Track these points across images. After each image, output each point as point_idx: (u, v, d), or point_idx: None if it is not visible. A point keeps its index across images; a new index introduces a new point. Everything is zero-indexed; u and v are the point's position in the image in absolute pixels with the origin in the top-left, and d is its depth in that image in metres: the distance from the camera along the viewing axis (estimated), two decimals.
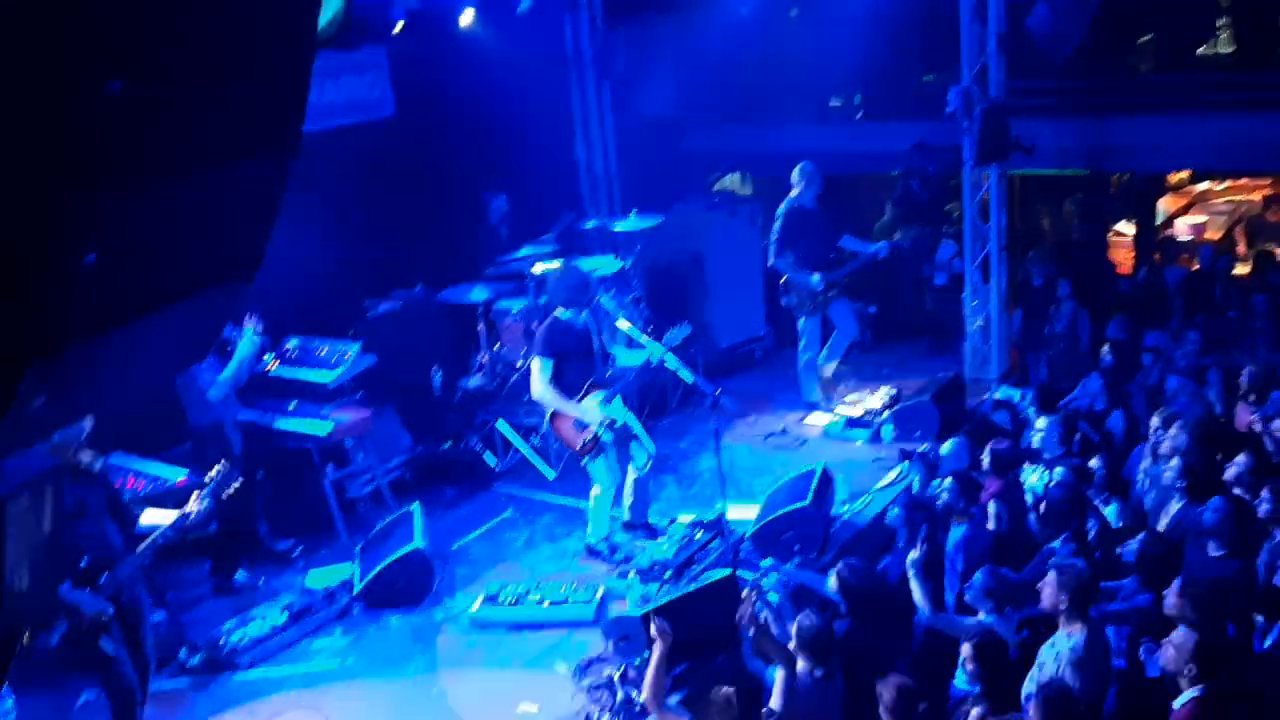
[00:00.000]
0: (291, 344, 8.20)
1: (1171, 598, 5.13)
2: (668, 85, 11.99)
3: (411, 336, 9.29)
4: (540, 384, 6.94)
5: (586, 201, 11.51)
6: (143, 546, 5.32)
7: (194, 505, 5.48)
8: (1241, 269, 11.66)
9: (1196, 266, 11.50)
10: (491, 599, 6.74)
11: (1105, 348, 9.16)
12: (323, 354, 8.07)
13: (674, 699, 5.23)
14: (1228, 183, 15.69)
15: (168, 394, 7.32)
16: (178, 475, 6.76)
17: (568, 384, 6.95)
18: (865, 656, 5.49)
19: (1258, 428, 7.21)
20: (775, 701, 5.00)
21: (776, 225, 9.20)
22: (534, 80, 10.75)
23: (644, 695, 5.09)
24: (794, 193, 9.18)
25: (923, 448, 7.76)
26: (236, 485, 5.68)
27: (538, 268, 8.99)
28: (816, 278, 9.11)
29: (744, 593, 5.64)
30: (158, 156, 1.63)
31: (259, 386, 7.86)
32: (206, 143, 1.70)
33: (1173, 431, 6.98)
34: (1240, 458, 6.60)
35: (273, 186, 2.03)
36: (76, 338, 1.69)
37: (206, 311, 2.27)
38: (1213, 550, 5.87)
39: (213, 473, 5.60)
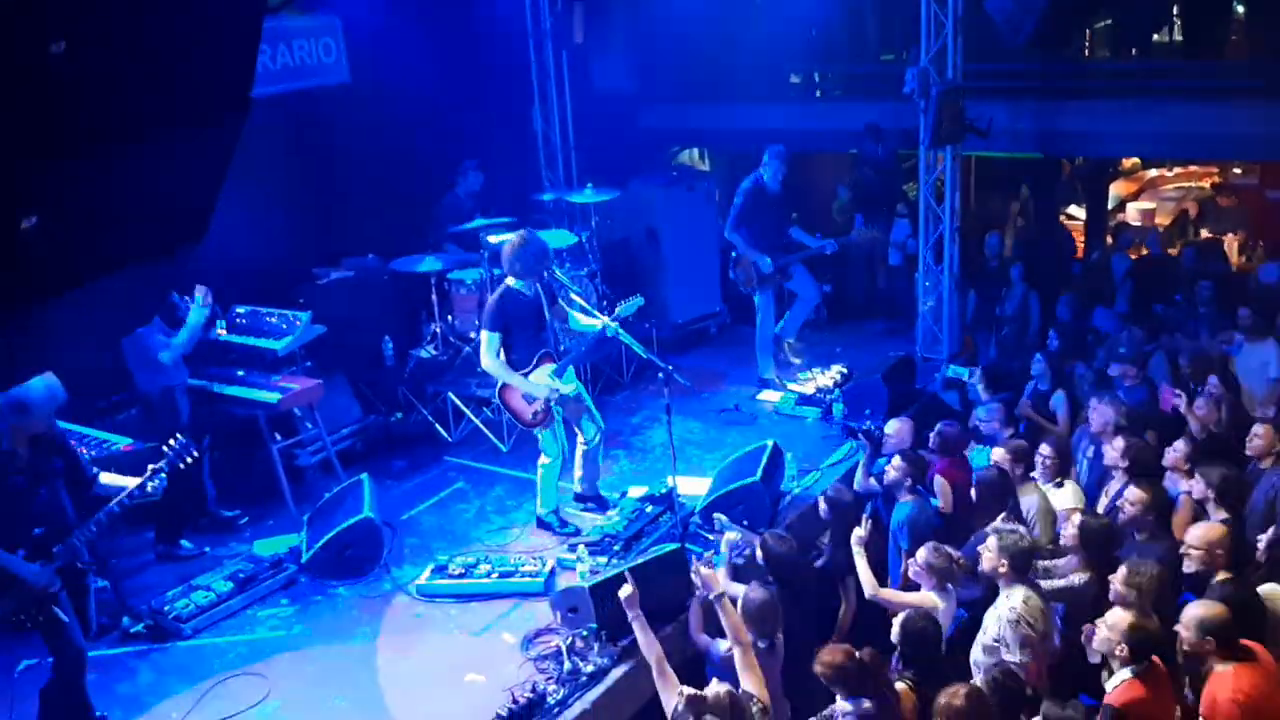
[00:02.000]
0: (240, 311, 8.12)
1: (1117, 585, 5.25)
2: (627, 59, 11.95)
3: (362, 306, 9.23)
4: (488, 356, 6.92)
5: (544, 173, 11.45)
6: (98, 516, 5.25)
7: (150, 476, 5.40)
8: None
9: (1146, 251, 11.72)
10: (440, 570, 6.73)
11: (1052, 330, 9.34)
12: (272, 321, 8.00)
13: None
14: (1177, 170, 15.99)
15: (115, 360, 7.23)
16: (122, 442, 6.69)
17: (517, 356, 6.93)
18: (792, 623, 5.62)
19: (1181, 408, 7.40)
20: (754, 687, 4.94)
21: (736, 200, 9.24)
22: (492, 50, 10.67)
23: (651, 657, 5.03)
24: (761, 171, 9.21)
25: (867, 425, 7.86)
26: (193, 457, 5.61)
27: (493, 238, 8.94)
28: (768, 261, 9.17)
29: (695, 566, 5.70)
30: (102, 121, 1.61)
31: (208, 354, 7.78)
32: (152, 108, 1.68)
33: (1107, 412, 7.14)
34: (1179, 443, 6.75)
35: (220, 153, 2.01)
36: (18, 300, 1.67)
37: (154, 275, 2.25)
38: (1138, 536, 6.02)
39: (171, 443, 5.54)
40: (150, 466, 5.43)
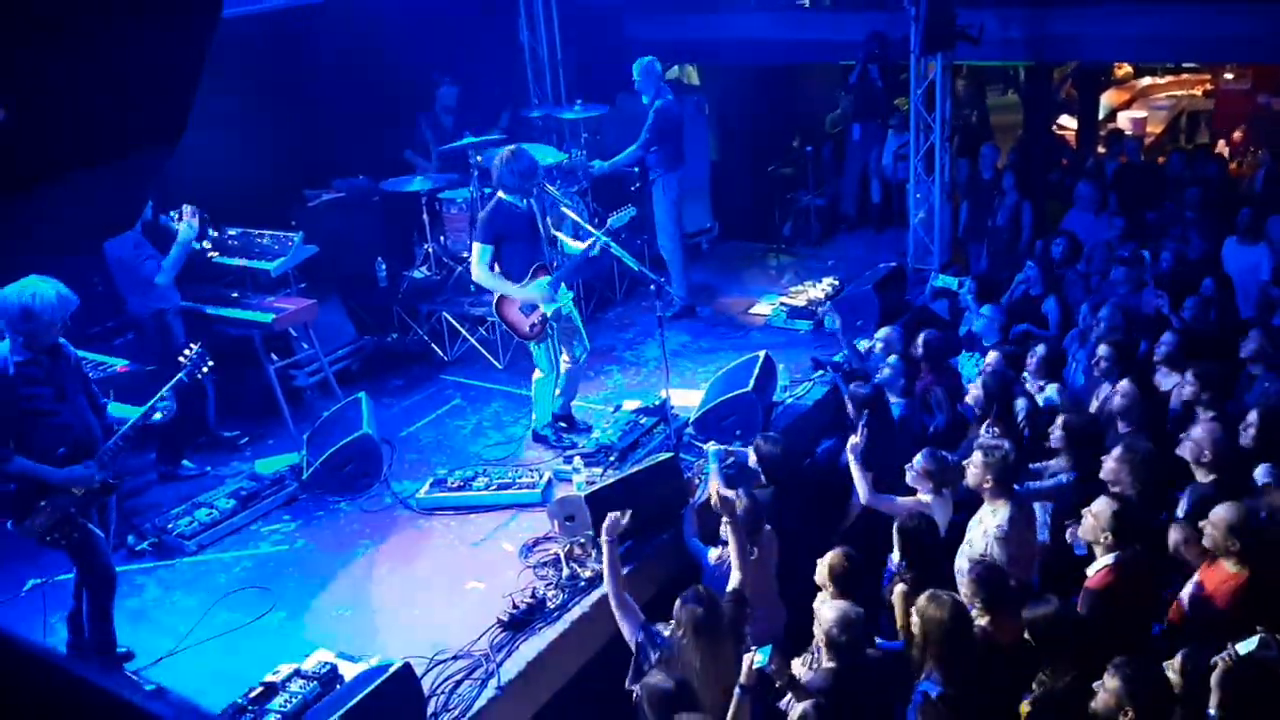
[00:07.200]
0: (232, 233, 8.09)
1: (1110, 463, 5.34)
2: None
3: (354, 227, 9.20)
4: (479, 269, 6.91)
5: (531, 89, 11.30)
6: (122, 430, 5.17)
7: (169, 388, 5.33)
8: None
9: (1125, 159, 11.63)
10: (439, 483, 6.82)
11: (1059, 239, 9.23)
12: (264, 243, 7.97)
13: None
14: (1169, 78, 15.83)
15: (106, 285, 7.23)
16: (119, 364, 6.72)
17: (511, 269, 6.91)
18: (787, 525, 5.76)
19: (1165, 310, 7.44)
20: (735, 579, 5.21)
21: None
22: None
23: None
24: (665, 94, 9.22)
25: (836, 356, 8.03)
26: (209, 366, 5.61)
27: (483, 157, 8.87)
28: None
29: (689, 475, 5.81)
30: (71, 6, 1.60)
31: (200, 276, 7.77)
32: None
33: (1099, 316, 7.19)
34: (1166, 336, 6.80)
35: (195, 45, 1.99)
36: None
37: (131, 176, 2.25)
38: (1122, 429, 6.10)
39: (186, 353, 5.54)
40: (175, 376, 5.39)
